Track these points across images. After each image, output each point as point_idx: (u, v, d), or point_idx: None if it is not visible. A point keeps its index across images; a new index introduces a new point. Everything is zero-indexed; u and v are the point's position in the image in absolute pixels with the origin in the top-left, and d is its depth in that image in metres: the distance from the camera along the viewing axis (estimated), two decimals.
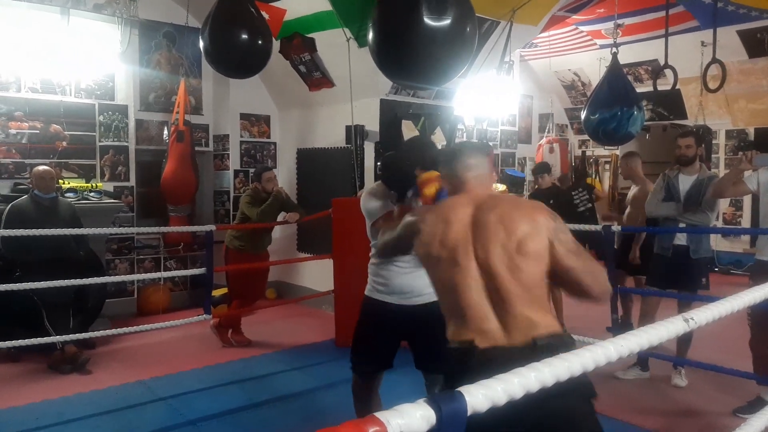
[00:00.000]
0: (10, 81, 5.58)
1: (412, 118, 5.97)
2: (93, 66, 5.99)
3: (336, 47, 5.67)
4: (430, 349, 2.60)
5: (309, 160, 6.84)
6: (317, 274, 6.42)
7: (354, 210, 5.13)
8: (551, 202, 5.28)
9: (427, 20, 2.97)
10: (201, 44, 3.85)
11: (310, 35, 5.86)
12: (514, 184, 8.90)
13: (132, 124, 6.36)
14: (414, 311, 2.72)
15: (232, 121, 7.06)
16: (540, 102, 10.22)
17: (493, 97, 7.97)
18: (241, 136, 7.15)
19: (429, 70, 3.07)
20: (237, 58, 3.80)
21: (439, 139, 6.74)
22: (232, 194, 7.08)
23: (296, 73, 6.42)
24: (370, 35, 3.16)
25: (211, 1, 6.22)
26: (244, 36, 3.68)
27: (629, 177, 5.39)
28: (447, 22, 2.98)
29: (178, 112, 6.33)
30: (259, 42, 3.77)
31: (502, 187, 7.99)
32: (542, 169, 5.99)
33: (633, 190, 5.34)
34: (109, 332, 4.47)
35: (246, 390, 4.16)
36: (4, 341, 3.90)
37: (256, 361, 4.79)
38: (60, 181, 5.45)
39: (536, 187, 6.20)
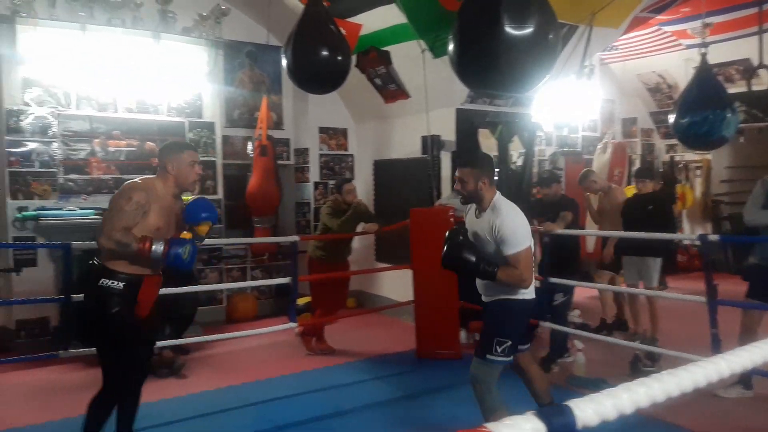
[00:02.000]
0: (108, 102, 6.01)
1: (489, 126, 5.93)
2: (183, 86, 6.35)
3: (411, 59, 5.73)
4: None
5: (385, 171, 6.93)
6: (395, 284, 6.47)
7: (432, 220, 5.20)
8: (650, 208, 5.08)
9: (509, 29, 2.95)
10: (283, 62, 4.00)
11: (385, 48, 5.96)
12: None
13: (219, 140, 6.68)
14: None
15: (311, 134, 7.28)
16: (623, 106, 9.88)
17: (573, 103, 7.81)
18: (320, 149, 7.35)
19: (513, 78, 3.06)
20: (319, 74, 3.93)
21: (516, 147, 6.67)
22: (312, 205, 7.28)
23: (372, 86, 6.54)
24: (451, 45, 3.18)
25: (289, 19, 6.51)
26: (325, 53, 3.80)
27: (593, 191, 5.79)
28: (529, 30, 2.95)
29: (261, 128, 6.60)
30: (339, 58, 3.88)
31: None
32: (644, 174, 5.65)
33: (601, 201, 5.79)
34: (202, 339, 4.71)
35: (331, 398, 4.26)
36: None
37: (339, 369, 4.89)
38: None
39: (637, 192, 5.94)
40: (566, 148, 8.76)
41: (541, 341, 5.26)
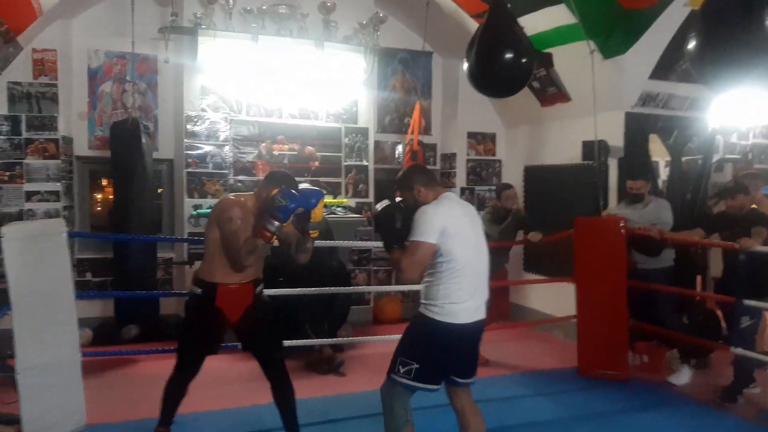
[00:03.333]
0: (274, 109, 6.34)
1: (661, 131, 5.51)
2: (341, 93, 6.55)
3: (575, 61, 5.47)
4: None
5: (538, 177, 6.67)
6: (546, 297, 6.21)
7: (599, 231, 4.90)
8: None
9: None
10: (465, 65, 3.94)
11: (546, 50, 5.74)
12: None
13: (371, 145, 6.81)
14: None
15: (459, 139, 7.21)
16: None
17: (745, 106, 7.07)
18: (468, 155, 7.26)
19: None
20: (502, 77, 3.84)
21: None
22: None
23: (528, 89, 6.33)
24: (692, 44, 2.95)
25: (446, 26, 6.54)
26: (510, 55, 3.70)
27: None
28: None
29: (412, 133, 6.63)
30: (524, 60, 3.77)
31: None
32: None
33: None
34: (366, 339, 4.81)
35: (494, 411, 4.09)
36: None
37: (497, 381, 4.74)
38: None
39: None
40: (733, 155, 7.96)
41: (717, 367, 4.80)
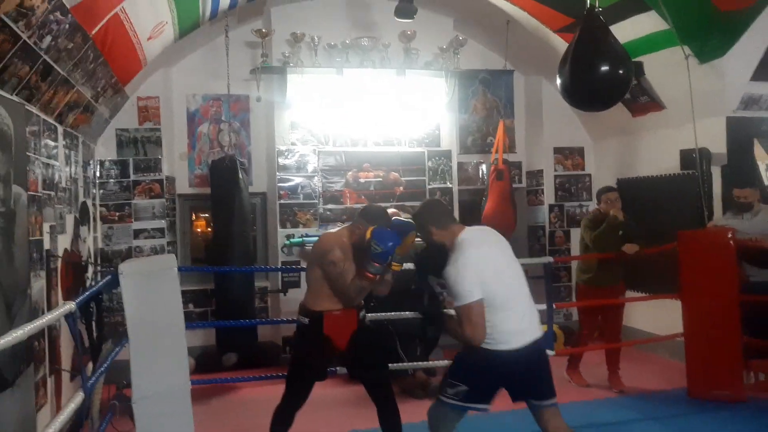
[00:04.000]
0: (359, 138, 6.49)
1: (766, 135, 5.14)
2: (423, 117, 6.62)
3: (668, 68, 5.24)
4: None
5: (632, 190, 6.37)
6: (648, 315, 5.89)
7: (706, 244, 4.61)
8: None
9: None
10: (558, 81, 3.87)
11: (636, 59, 5.53)
12: None
13: (455, 167, 6.80)
14: None
15: (545, 156, 7.07)
16: None
17: None
18: (555, 170, 7.09)
19: None
20: (599, 90, 3.75)
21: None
22: (547, 229, 7.02)
23: None
24: None
25: (524, 43, 6.47)
26: (606, 68, 3.61)
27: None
28: None
29: (497, 152, 6.57)
30: (621, 72, 3.66)
31: None
32: None
33: None
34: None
35: None
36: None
37: (601, 404, 4.55)
38: None
39: None
40: None
41: None
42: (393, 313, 4.75)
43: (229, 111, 6.31)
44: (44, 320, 2.42)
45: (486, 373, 2.81)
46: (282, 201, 6.24)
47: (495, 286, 2.75)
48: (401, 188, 6.57)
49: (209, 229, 6.73)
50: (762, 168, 6.16)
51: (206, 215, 6.79)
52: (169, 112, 6.21)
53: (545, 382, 2.90)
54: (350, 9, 6.41)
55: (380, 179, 6.51)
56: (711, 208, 5.11)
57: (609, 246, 4.84)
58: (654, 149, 6.01)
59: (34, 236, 3.64)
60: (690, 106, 4.92)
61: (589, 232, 4.90)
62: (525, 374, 2.84)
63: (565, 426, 2.91)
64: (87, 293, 3.31)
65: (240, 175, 5.71)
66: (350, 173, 6.41)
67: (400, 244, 3.10)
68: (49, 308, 3.87)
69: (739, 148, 5.10)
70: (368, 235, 3.08)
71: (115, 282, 3.27)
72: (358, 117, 6.41)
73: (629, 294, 6.19)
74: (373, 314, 4.69)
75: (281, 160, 6.26)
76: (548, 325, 4.62)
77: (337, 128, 6.40)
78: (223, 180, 5.68)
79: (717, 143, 5.18)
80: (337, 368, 4.19)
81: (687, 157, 5.33)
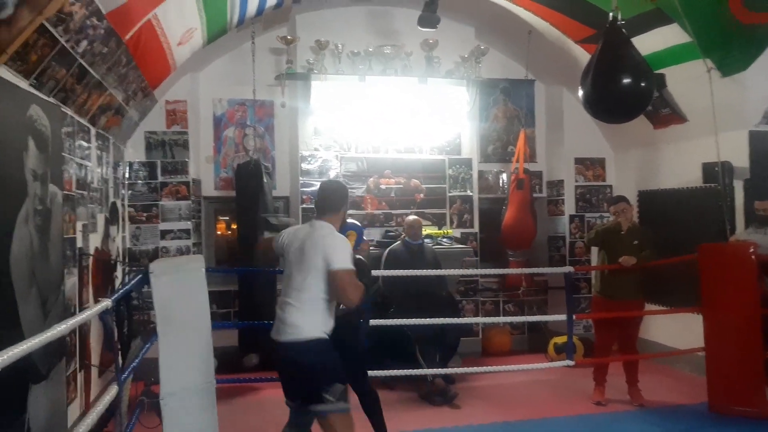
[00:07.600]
0: (380, 145, 6.57)
1: None
2: (444, 125, 6.68)
3: (690, 80, 5.26)
4: None
5: (653, 202, 6.39)
6: (667, 328, 5.88)
7: (727, 257, 4.61)
8: None
9: None
10: (580, 92, 3.92)
11: (658, 71, 5.55)
12: None
13: (475, 175, 6.85)
14: None
15: (566, 166, 7.08)
16: None
17: None
18: (576, 181, 7.11)
19: None
20: (621, 102, 3.79)
21: None
22: (567, 239, 7.03)
23: None
24: None
25: (546, 53, 6.52)
26: (628, 80, 3.65)
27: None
28: None
29: (518, 161, 6.61)
30: (643, 84, 3.70)
31: None
32: None
33: None
34: (478, 369, 4.75)
35: None
36: (382, 370, 4.49)
37: (621, 417, 4.54)
38: None
39: None
40: None
41: None
42: (414, 320, 4.79)
43: (254, 116, 6.42)
44: (84, 315, 2.52)
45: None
46: (304, 205, 6.34)
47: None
48: (422, 195, 6.63)
49: (229, 232, 6.85)
50: None
51: (227, 218, 6.90)
52: (196, 116, 6.34)
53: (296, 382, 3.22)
54: (373, 17, 6.51)
55: (401, 186, 6.58)
56: (733, 222, 5.10)
57: (613, 254, 4.84)
58: (676, 162, 6.01)
59: (67, 234, 3.76)
60: (712, 119, 4.92)
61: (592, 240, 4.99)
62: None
63: None
64: (121, 290, 3.40)
65: (264, 179, 5.80)
66: (371, 179, 6.48)
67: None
68: (80, 304, 3.98)
69: (762, 162, 5.08)
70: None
71: (145, 281, 3.37)
72: (380, 124, 6.50)
73: (649, 307, 6.17)
74: (392, 320, 4.75)
75: (304, 165, 6.36)
76: (568, 336, 4.64)
77: (360, 135, 6.50)
78: (249, 183, 5.79)
79: (740, 157, 5.17)
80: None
81: (709, 171, 5.33)
